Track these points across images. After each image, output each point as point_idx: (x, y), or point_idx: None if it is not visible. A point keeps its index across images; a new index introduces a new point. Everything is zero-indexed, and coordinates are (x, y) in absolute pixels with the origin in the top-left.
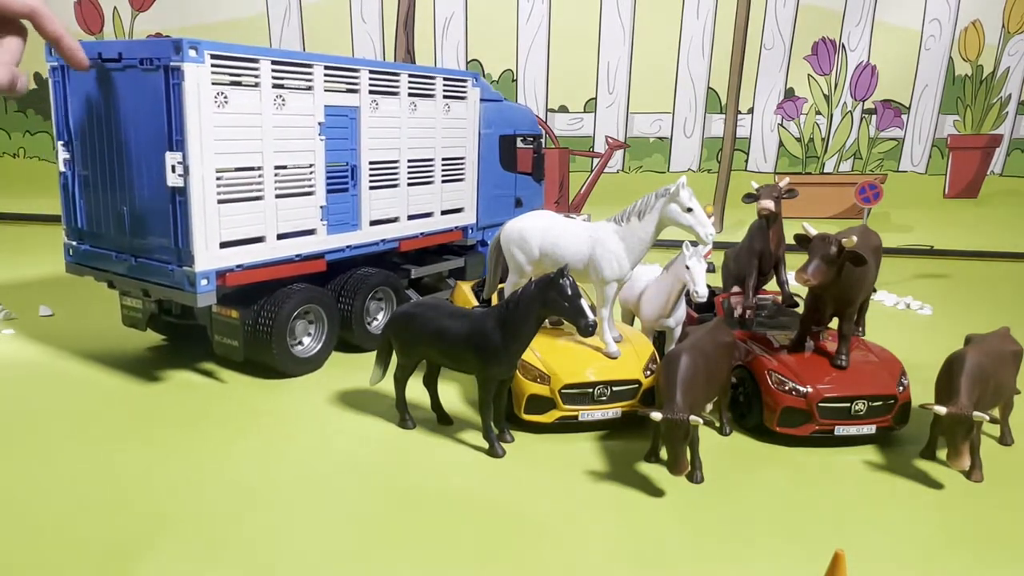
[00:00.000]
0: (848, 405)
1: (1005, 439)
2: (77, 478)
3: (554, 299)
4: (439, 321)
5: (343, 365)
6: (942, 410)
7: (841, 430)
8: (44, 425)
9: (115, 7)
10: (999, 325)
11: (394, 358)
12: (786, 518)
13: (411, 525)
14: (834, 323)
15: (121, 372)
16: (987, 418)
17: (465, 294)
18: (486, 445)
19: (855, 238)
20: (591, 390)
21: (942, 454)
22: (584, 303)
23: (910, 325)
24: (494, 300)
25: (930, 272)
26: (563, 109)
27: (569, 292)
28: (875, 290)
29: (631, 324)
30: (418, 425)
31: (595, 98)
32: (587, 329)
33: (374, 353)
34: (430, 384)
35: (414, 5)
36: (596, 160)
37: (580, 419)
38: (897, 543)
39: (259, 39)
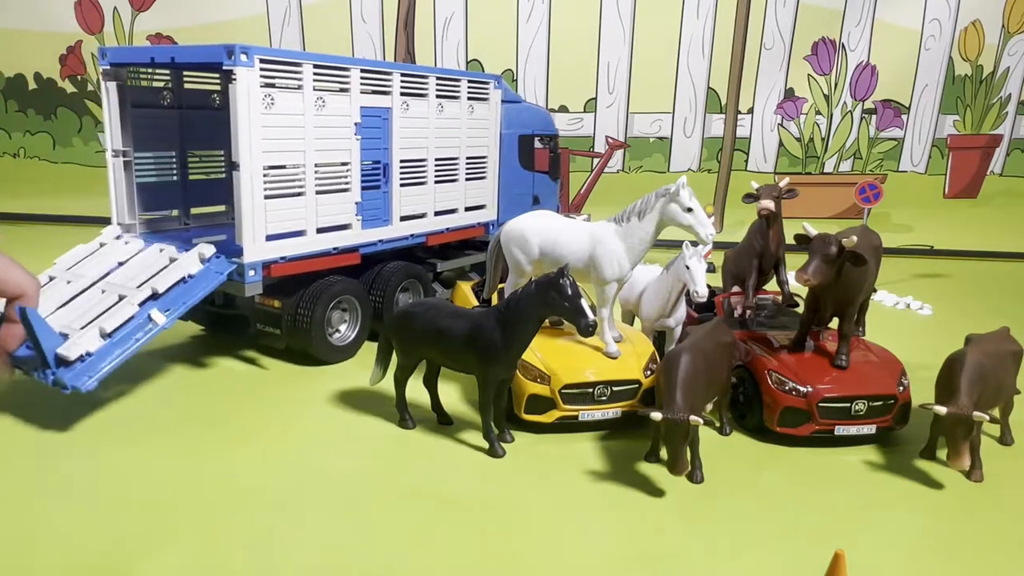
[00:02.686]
0: (848, 405)
1: (1005, 439)
2: (78, 477)
3: (554, 299)
4: (439, 321)
5: (343, 364)
6: (942, 410)
7: (841, 430)
8: (45, 425)
9: (115, 7)
10: (999, 325)
11: (394, 358)
12: (786, 518)
13: (411, 525)
14: (834, 323)
15: (120, 371)
16: (987, 418)
17: (465, 294)
18: (486, 445)
19: (855, 238)
20: (591, 390)
21: (942, 454)
22: (584, 303)
23: (910, 325)
24: (494, 300)
25: (930, 272)
26: (563, 109)
27: (569, 292)
28: (875, 290)
29: (631, 324)
30: (418, 425)
31: (595, 98)
32: (587, 329)
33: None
34: (430, 384)
35: (414, 5)
36: (596, 160)
37: (580, 419)
38: (897, 543)
39: (259, 39)
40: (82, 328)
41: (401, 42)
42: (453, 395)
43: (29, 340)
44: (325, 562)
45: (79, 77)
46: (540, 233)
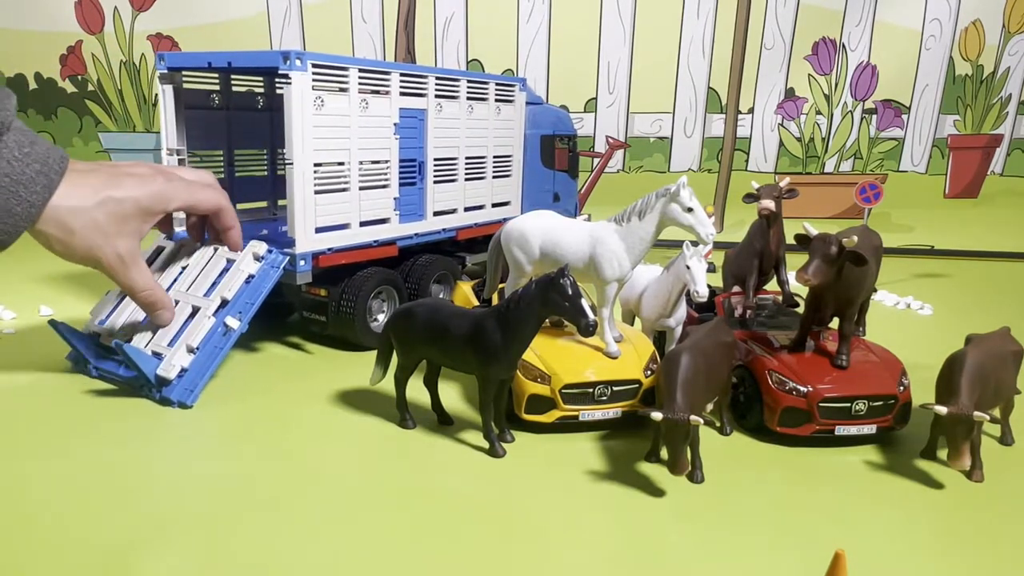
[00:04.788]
0: (848, 405)
1: (1006, 439)
2: (75, 473)
3: (555, 299)
4: (439, 321)
5: (343, 365)
6: (943, 410)
7: (841, 430)
8: (46, 424)
9: (115, 7)
10: (999, 325)
11: (395, 358)
12: (786, 518)
13: (411, 525)
14: (834, 323)
15: None
16: (987, 418)
17: (465, 294)
18: (486, 445)
19: (855, 238)
20: (591, 390)
21: (943, 454)
22: (585, 303)
23: (910, 325)
24: (494, 300)
25: (930, 272)
26: (563, 109)
27: (570, 292)
28: (875, 290)
29: (631, 324)
30: (418, 425)
31: (595, 98)
32: (588, 329)
33: (374, 352)
34: (430, 384)
35: (414, 5)
36: (596, 160)
37: (580, 419)
38: (897, 543)
39: (260, 39)
40: (169, 345)
41: (401, 42)
42: (453, 395)
43: (131, 368)
44: (324, 562)
45: (79, 77)
46: (540, 233)
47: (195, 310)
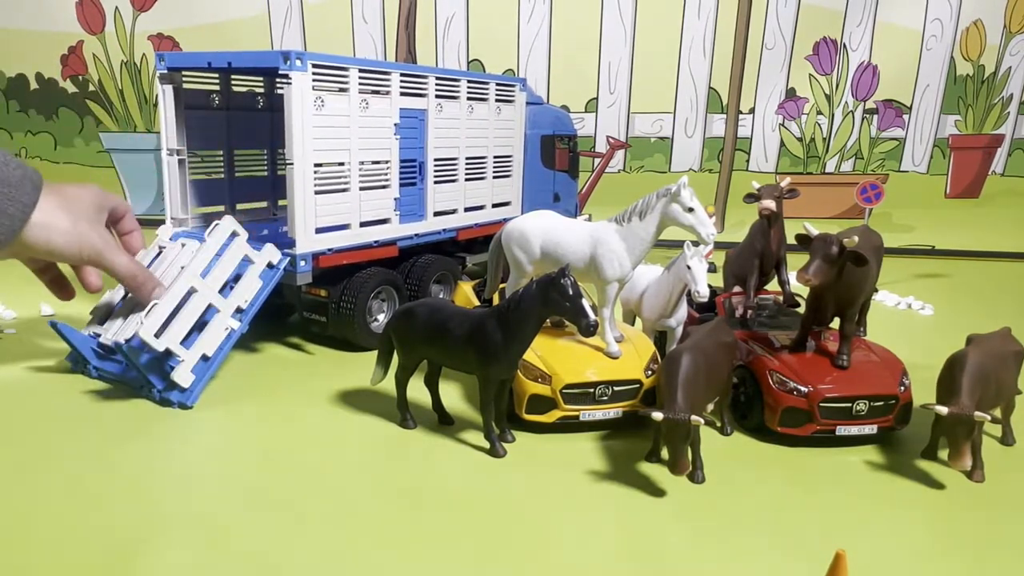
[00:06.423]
0: (849, 405)
1: (1006, 439)
2: (75, 473)
3: (555, 299)
4: (440, 321)
5: (343, 365)
6: (943, 410)
7: (842, 430)
8: (46, 424)
9: (116, 7)
10: (1000, 325)
11: (395, 358)
12: (787, 518)
13: (411, 525)
14: (835, 323)
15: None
16: (988, 418)
17: (466, 294)
18: (487, 445)
19: (856, 238)
20: (592, 390)
21: (943, 454)
22: (585, 303)
23: (911, 325)
24: (495, 300)
25: (931, 272)
26: (564, 109)
27: (570, 292)
28: (876, 290)
29: (632, 324)
30: (419, 425)
31: (596, 98)
32: (588, 329)
33: (375, 353)
34: (431, 384)
35: (415, 5)
36: (597, 160)
37: (581, 419)
38: (898, 543)
39: (261, 39)
40: (186, 346)
41: (402, 42)
42: (454, 395)
43: (131, 368)
44: (325, 562)
45: (80, 77)
46: (541, 233)
47: (207, 307)
